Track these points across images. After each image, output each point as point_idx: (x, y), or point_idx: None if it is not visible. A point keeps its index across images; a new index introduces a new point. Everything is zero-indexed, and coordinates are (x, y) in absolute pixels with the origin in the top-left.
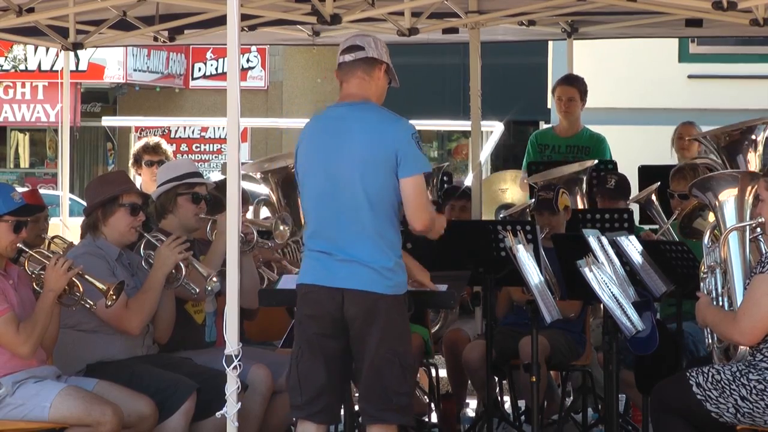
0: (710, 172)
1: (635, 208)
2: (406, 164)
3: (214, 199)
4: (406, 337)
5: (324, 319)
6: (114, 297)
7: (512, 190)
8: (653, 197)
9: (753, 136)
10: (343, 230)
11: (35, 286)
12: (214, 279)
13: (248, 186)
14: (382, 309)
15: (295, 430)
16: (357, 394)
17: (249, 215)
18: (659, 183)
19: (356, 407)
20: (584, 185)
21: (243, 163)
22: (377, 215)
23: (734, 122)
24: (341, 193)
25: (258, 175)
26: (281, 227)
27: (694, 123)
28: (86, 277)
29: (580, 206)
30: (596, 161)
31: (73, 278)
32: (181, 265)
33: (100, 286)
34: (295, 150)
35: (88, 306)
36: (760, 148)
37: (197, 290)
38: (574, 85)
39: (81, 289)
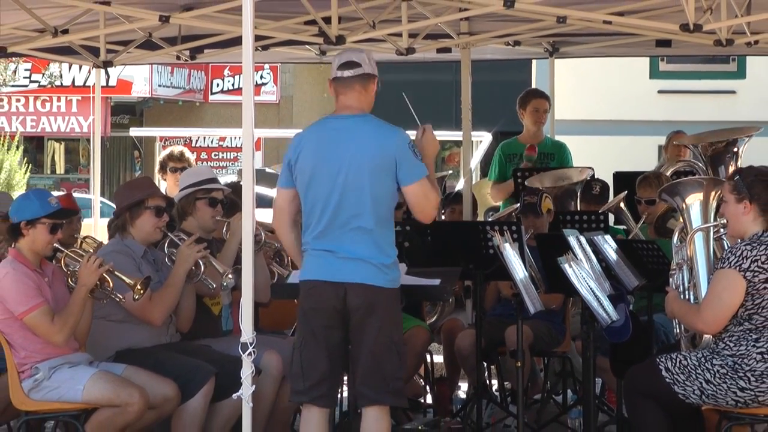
0: (674, 179)
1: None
2: (406, 172)
3: (231, 202)
4: (401, 326)
5: (327, 312)
6: (141, 291)
7: None
8: (621, 205)
9: (735, 149)
10: (348, 231)
11: (70, 282)
12: (230, 276)
13: (262, 190)
14: (381, 301)
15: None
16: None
17: (260, 215)
18: (626, 192)
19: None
20: (578, 195)
21: (258, 170)
22: (379, 217)
23: (699, 132)
24: (349, 197)
25: None
26: None
27: (682, 131)
28: (116, 273)
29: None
30: (592, 171)
31: (104, 274)
32: (200, 262)
33: (128, 281)
34: (292, 156)
35: (117, 299)
36: (740, 161)
37: (214, 285)
38: (546, 98)
39: (111, 284)
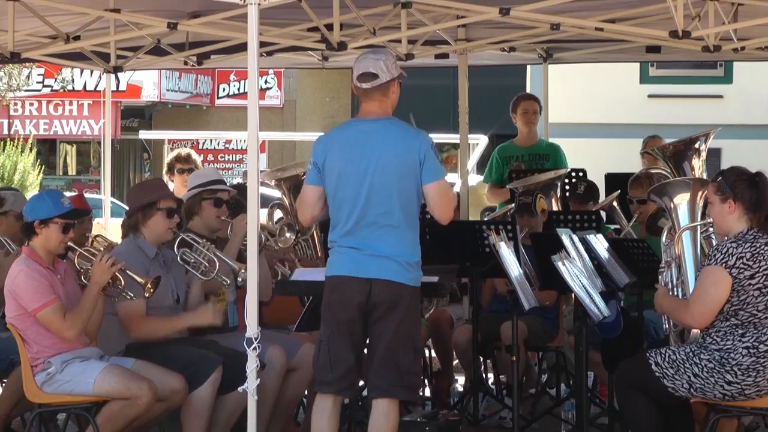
0: (663, 180)
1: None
2: (427, 171)
3: (237, 203)
4: (419, 324)
5: (352, 306)
6: (151, 290)
7: None
8: (614, 204)
9: (696, 146)
10: (376, 230)
11: (83, 279)
12: (244, 271)
13: (265, 191)
14: (404, 297)
15: (306, 403)
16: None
17: (263, 216)
18: (619, 191)
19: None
20: (559, 190)
21: (260, 171)
22: (407, 216)
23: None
24: (377, 197)
25: (272, 182)
26: (287, 234)
27: (658, 136)
28: (127, 272)
29: (555, 208)
30: (569, 169)
31: (116, 273)
32: (215, 259)
33: (139, 280)
34: (318, 158)
35: (129, 298)
36: (704, 155)
37: (228, 281)
38: (536, 100)
39: (123, 283)
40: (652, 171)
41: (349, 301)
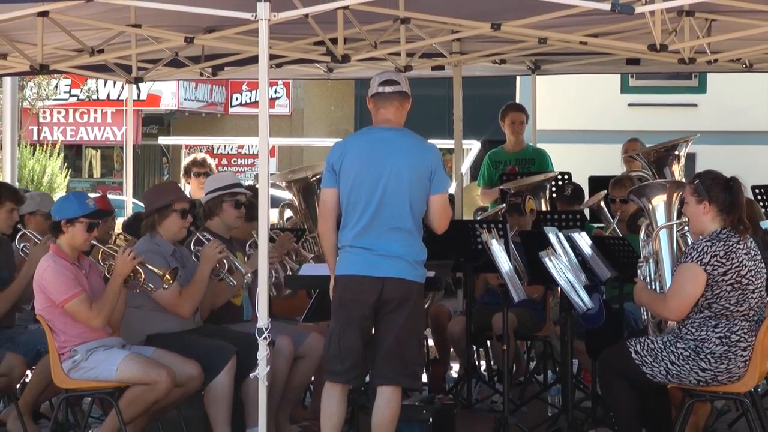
0: (643, 182)
1: (586, 210)
2: (436, 183)
3: (250, 203)
4: (424, 317)
5: (365, 303)
6: (170, 280)
7: None
8: (602, 204)
9: (676, 152)
10: (386, 231)
11: (106, 274)
12: (249, 275)
13: (275, 192)
14: (413, 293)
15: (313, 388)
16: None
17: (275, 215)
18: (606, 192)
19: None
20: (547, 192)
21: (271, 174)
22: (415, 219)
23: (665, 141)
24: (389, 201)
25: (283, 184)
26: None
27: (637, 139)
28: (147, 265)
29: (544, 208)
30: (558, 173)
31: (137, 266)
32: (224, 261)
33: (158, 272)
34: (335, 160)
35: (149, 290)
36: (683, 161)
37: (235, 283)
38: (523, 111)
39: (143, 276)
40: (633, 173)
41: (363, 300)
